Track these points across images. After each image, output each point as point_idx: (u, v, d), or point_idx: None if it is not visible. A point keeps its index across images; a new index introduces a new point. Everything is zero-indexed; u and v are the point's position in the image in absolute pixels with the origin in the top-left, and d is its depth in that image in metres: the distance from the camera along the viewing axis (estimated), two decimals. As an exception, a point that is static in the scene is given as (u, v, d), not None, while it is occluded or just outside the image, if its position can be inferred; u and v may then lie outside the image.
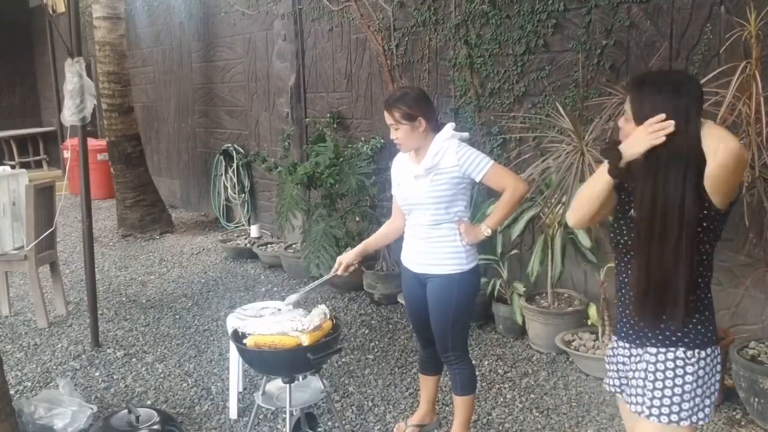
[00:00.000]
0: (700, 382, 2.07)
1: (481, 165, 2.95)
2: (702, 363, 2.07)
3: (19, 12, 13.19)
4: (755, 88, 3.22)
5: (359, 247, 3.31)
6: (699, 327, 2.07)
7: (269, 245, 6.79)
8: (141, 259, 7.08)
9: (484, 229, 3.05)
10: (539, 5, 4.55)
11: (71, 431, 3.42)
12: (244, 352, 2.89)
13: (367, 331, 4.89)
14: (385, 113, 3.05)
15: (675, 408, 2.07)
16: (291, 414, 2.95)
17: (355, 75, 6.18)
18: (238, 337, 2.92)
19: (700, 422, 2.09)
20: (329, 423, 3.60)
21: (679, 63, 3.93)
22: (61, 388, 3.62)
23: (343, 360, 4.39)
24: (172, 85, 9.37)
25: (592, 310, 4.16)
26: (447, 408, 3.70)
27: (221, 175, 8.20)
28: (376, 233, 3.38)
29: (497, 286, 4.70)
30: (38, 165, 13.31)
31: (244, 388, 3.96)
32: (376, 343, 4.68)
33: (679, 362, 2.07)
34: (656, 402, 2.09)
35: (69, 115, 4.48)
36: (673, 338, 2.08)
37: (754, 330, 3.79)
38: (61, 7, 10.67)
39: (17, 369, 4.40)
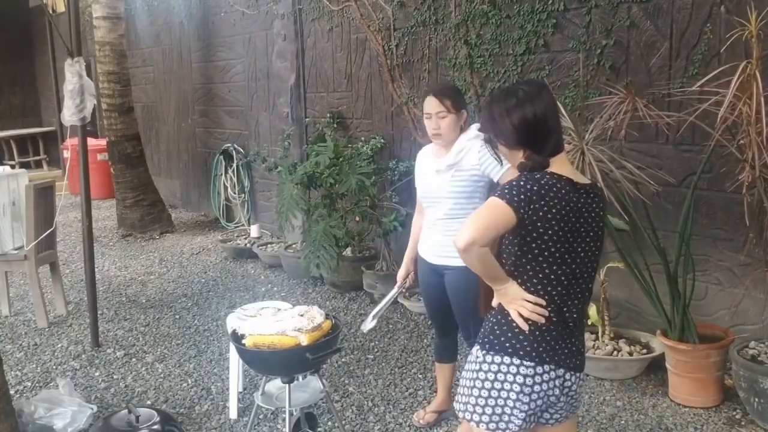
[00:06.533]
0: (478, 384, 2.08)
1: (498, 165, 3.00)
2: (486, 367, 2.07)
3: (19, 12, 13.19)
4: (756, 88, 3.22)
5: (408, 254, 3.42)
6: (495, 329, 2.10)
7: (269, 245, 6.79)
8: (141, 259, 7.08)
9: None
10: (539, 5, 4.55)
11: (71, 431, 3.41)
12: (243, 352, 2.89)
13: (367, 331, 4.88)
14: (433, 101, 3.09)
15: (461, 398, 2.15)
16: (291, 414, 2.96)
17: (355, 75, 6.18)
18: (238, 337, 2.92)
19: (472, 423, 2.09)
20: (329, 423, 3.60)
21: (679, 63, 3.93)
22: (61, 388, 3.62)
23: (343, 360, 4.38)
24: (172, 85, 9.37)
25: (592, 310, 4.16)
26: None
27: (221, 175, 8.20)
28: (413, 232, 3.42)
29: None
30: (38, 165, 13.32)
31: (244, 388, 3.96)
32: (376, 343, 4.67)
33: (471, 357, 2.16)
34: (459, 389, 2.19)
35: (69, 115, 4.48)
36: (479, 335, 2.17)
37: (754, 330, 3.79)
38: (61, 7, 10.67)
39: (17, 369, 4.40)
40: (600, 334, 4.13)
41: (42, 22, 12.71)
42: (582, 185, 2.08)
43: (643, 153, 4.11)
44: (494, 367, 2.06)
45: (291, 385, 2.91)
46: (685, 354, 3.66)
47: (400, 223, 5.31)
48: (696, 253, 3.83)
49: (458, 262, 3.08)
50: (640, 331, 4.19)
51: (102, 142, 9.61)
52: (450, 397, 3.60)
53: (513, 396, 2.03)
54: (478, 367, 2.09)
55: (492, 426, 2.05)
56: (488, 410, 2.05)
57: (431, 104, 3.10)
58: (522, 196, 1.97)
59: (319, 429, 3.38)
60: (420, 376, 4.15)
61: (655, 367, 3.98)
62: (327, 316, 3.00)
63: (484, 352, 2.09)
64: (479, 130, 2.22)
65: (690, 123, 3.64)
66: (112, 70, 7.74)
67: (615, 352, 4.02)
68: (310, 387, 3.14)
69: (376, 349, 4.57)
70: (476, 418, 2.08)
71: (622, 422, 3.55)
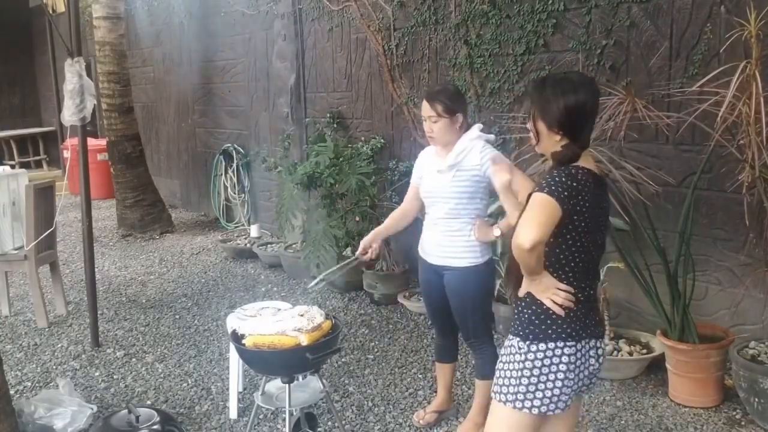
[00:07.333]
0: (526, 372, 2.19)
1: None
2: (531, 356, 2.18)
3: (19, 12, 13.19)
4: (755, 88, 3.22)
5: (376, 230, 3.43)
6: (533, 319, 2.20)
7: (269, 245, 6.79)
8: (141, 259, 7.08)
9: (496, 230, 3.13)
10: (539, 5, 4.55)
11: (71, 431, 3.42)
12: (243, 352, 2.90)
13: (367, 331, 4.89)
14: (425, 105, 3.15)
15: (504, 389, 2.24)
16: (291, 414, 2.96)
17: (355, 75, 6.18)
18: (238, 337, 2.92)
19: (524, 410, 2.20)
20: (329, 423, 3.60)
21: (679, 63, 3.93)
22: (61, 388, 3.62)
23: (343, 360, 4.39)
24: (172, 85, 9.37)
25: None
26: (466, 393, 3.70)
27: (221, 175, 8.20)
28: (390, 217, 3.46)
29: (497, 286, 4.69)
30: (38, 165, 13.32)
31: (244, 388, 3.96)
32: (376, 343, 4.68)
33: (513, 349, 2.24)
34: (496, 380, 2.29)
35: (69, 115, 4.48)
36: (515, 327, 2.26)
37: (754, 330, 3.79)
38: (61, 7, 10.67)
39: (17, 369, 4.40)
40: (600, 334, 4.13)
41: (42, 22, 12.71)
42: (600, 177, 2.21)
43: (643, 153, 4.11)
44: (540, 354, 2.17)
45: (291, 385, 2.91)
46: (685, 354, 3.66)
47: (400, 223, 5.30)
48: (696, 253, 3.83)
49: (458, 263, 3.16)
50: (640, 331, 4.19)
51: (102, 142, 9.61)
52: (450, 397, 3.62)
53: (561, 376, 2.16)
54: (523, 358, 2.19)
55: (543, 409, 2.18)
56: (539, 394, 2.17)
57: (424, 108, 3.17)
58: (566, 192, 2.08)
59: (319, 429, 3.38)
60: (420, 376, 4.15)
61: (655, 367, 3.98)
62: (327, 316, 3.01)
63: (528, 342, 2.19)
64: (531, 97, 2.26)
65: (690, 123, 3.64)
66: (112, 70, 7.74)
67: (615, 352, 4.02)
68: (310, 387, 3.14)
69: (376, 349, 4.57)
70: (528, 404, 2.18)
71: (622, 422, 3.55)
